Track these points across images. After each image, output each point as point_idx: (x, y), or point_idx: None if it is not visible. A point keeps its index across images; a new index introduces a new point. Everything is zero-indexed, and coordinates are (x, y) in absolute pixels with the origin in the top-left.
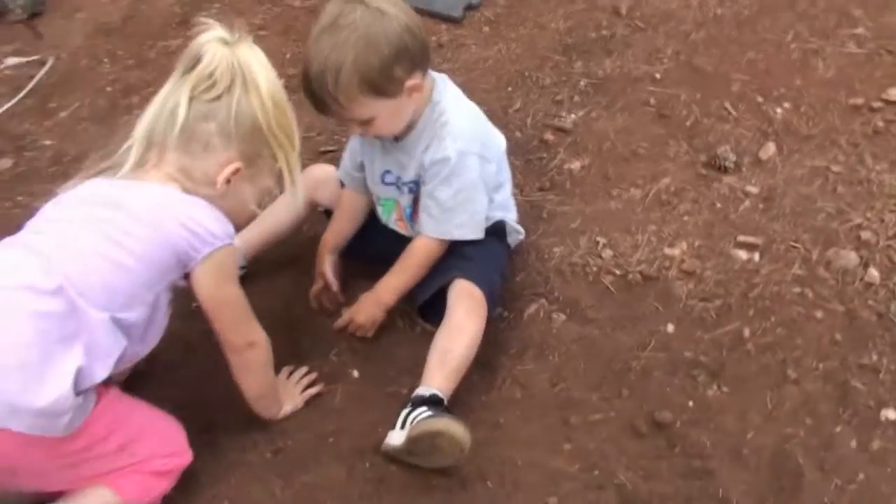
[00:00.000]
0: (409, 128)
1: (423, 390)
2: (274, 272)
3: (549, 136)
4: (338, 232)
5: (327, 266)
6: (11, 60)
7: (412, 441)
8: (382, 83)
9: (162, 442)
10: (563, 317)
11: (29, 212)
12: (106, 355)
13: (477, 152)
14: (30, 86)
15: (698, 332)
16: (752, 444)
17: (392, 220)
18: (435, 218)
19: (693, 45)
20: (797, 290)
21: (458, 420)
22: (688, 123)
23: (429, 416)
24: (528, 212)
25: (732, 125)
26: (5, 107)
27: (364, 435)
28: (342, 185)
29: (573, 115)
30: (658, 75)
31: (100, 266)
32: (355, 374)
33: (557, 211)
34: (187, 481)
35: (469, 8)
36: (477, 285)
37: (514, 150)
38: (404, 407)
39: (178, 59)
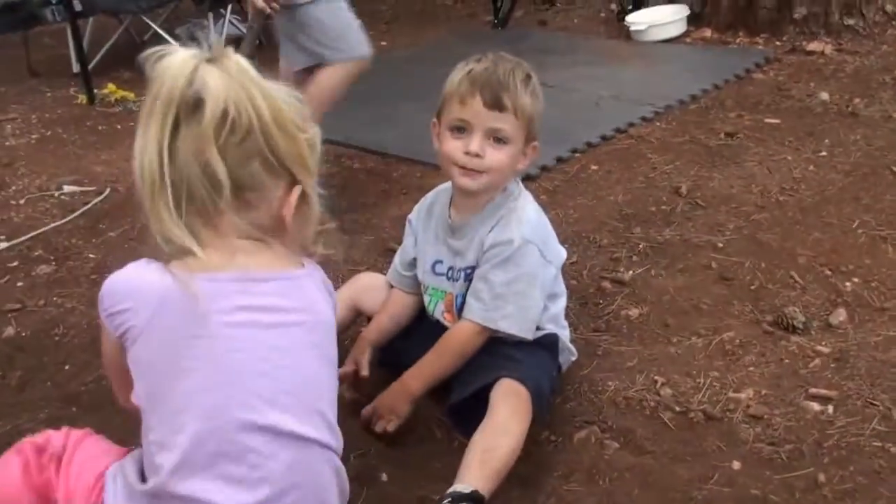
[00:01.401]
0: (477, 209)
1: (461, 487)
2: None
3: (606, 285)
4: (379, 328)
5: (364, 354)
6: (68, 188)
7: None
8: (534, 123)
9: None
10: (616, 445)
11: (63, 312)
12: None
13: (540, 246)
14: (83, 209)
15: (767, 472)
16: None
17: (439, 310)
18: (483, 302)
19: (756, 223)
20: (877, 443)
21: None
22: (752, 287)
23: None
24: (582, 349)
25: (799, 292)
26: (55, 224)
27: None
28: (390, 287)
29: (631, 272)
30: (720, 244)
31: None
32: (384, 477)
33: (613, 350)
34: None
35: (527, 179)
36: (524, 386)
37: (569, 295)
38: (441, 501)
39: (150, 105)
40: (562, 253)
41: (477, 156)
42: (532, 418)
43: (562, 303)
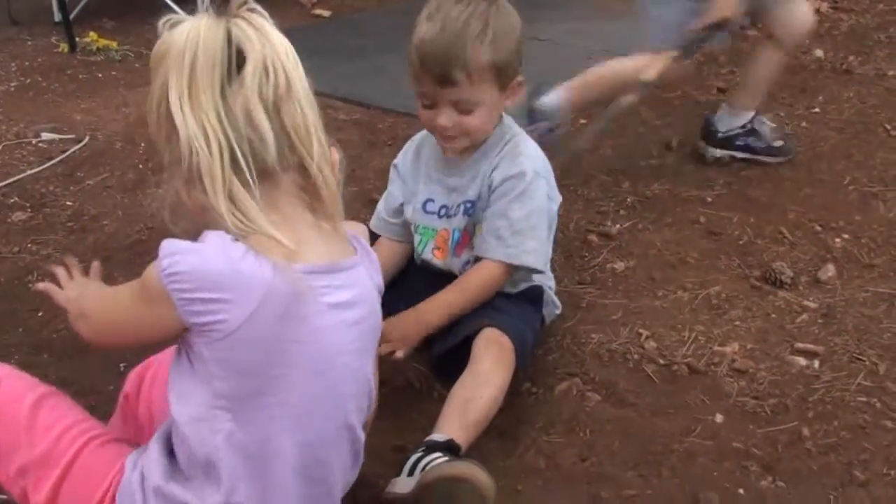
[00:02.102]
0: (475, 146)
1: (437, 436)
2: None
3: (592, 238)
4: None
5: None
6: (47, 136)
7: (424, 488)
8: (506, 68)
9: None
10: (597, 397)
11: (38, 259)
12: None
13: (547, 179)
14: (61, 157)
15: (750, 425)
16: None
17: (428, 249)
18: (504, 241)
19: (746, 178)
20: (863, 398)
21: (479, 466)
22: (740, 242)
23: (447, 461)
24: (566, 301)
25: (788, 248)
26: (32, 171)
27: (364, 485)
28: (372, 237)
29: (618, 225)
30: (709, 199)
31: None
32: None
33: (597, 303)
34: None
35: None
36: (507, 336)
37: (554, 248)
38: (413, 453)
39: (189, 74)
40: (559, 195)
41: (453, 127)
42: (514, 370)
43: (549, 251)
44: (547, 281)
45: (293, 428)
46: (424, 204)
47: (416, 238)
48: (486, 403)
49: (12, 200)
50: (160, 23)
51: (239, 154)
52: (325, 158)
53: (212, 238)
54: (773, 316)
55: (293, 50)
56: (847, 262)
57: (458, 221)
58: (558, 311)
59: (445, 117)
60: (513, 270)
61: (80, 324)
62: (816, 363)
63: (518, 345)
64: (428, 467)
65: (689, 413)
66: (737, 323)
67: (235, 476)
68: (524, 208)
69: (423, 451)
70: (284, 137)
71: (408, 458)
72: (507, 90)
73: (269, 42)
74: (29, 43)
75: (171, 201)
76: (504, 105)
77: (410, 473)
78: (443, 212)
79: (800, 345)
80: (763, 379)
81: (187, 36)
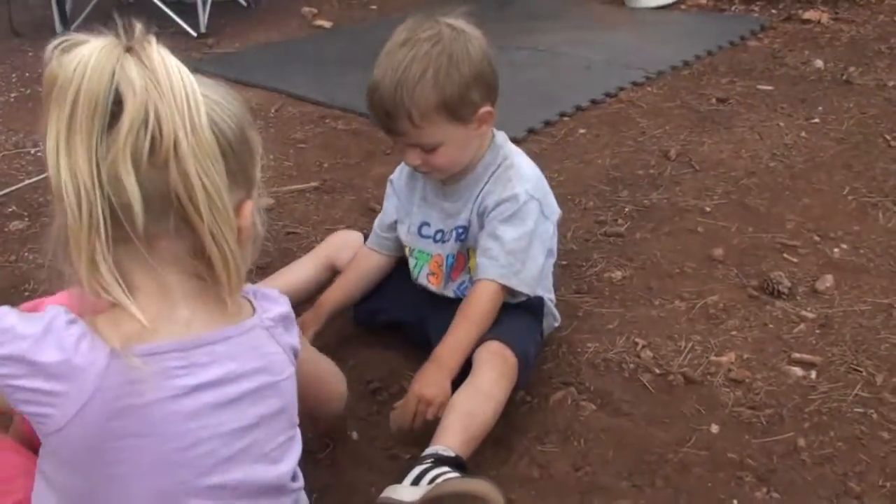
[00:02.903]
0: (466, 171)
1: (442, 450)
2: None
3: (589, 247)
4: (345, 288)
5: (315, 326)
6: None
7: (435, 500)
8: (458, 104)
9: None
10: (593, 406)
11: (34, 268)
12: None
13: (541, 201)
14: None
15: (746, 436)
16: None
17: (424, 273)
18: (496, 260)
19: (745, 188)
20: (860, 409)
21: (497, 486)
22: (738, 251)
23: (459, 477)
24: (563, 310)
25: (787, 258)
26: (30, 181)
27: (356, 491)
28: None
29: (616, 235)
30: (708, 209)
31: None
32: (355, 435)
33: (594, 312)
34: None
35: (513, 141)
36: (511, 350)
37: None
38: (419, 464)
39: (69, 112)
40: (557, 209)
41: (424, 164)
42: (515, 384)
43: (550, 264)
44: (547, 293)
45: None
46: (420, 227)
47: (412, 262)
48: (488, 419)
49: (10, 210)
50: (50, 45)
51: (100, 217)
52: (224, 222)
53: (48, 316)
54: (771, 326)
55: (196, 97)
56: (845, 273)
57: (451, 247)
58: (557, 324)
59: (411, 157)
60: (506, 291)
61: None
62: (813, 374)
63: (522, 360)
64: (439, 480)
65: (685, 423)
66: (734, 333)
67: None
68: (516, 230)
69: (431, 462)
70: (162, 202)
71: (412, 467)
72: (473, 122)
73: (159, 89)
74: (30, 54)
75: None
76: (478, 134)
77: (415, 483)
78: (438, 236)
79: (797, 355)
80: (759, 389)
81: (75, 69)
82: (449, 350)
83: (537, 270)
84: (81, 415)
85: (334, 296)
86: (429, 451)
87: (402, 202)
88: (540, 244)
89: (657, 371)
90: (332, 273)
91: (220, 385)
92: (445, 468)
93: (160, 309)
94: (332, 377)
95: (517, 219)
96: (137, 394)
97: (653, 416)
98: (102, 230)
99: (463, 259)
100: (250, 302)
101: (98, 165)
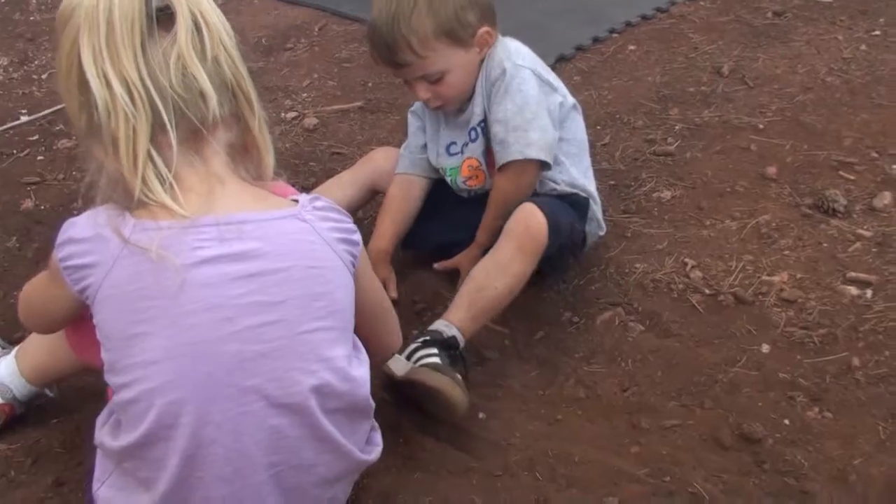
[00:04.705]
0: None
1: (442, 326)
2: None
3: (638, 167)
4: (394, 231)
5: (390, 273)
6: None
7: (409, 383)
8: (456, 26)
9: None
10: (641, 328)
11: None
12: None
13: (532, 68)
14: None
15: (798, 356)
16: (861, 471)
17: (461, 182)
18: (504, 142)
19: (800, 104)
20: None
21: (458, 382)
22: (792, 168)
23: (432, 366)
24: (611, 230)
25: (843, 175)
26: None
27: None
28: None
29: (666, 154)
30: (761, 126)
31: None
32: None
33: (643, 232)
34: None
35: (561, 59)
36: (542, 211)
37: (599, 176)
38: (419, 336)
39: (106, 29)
40: (569, 97)
41: (434, 96)
42: (539, 257)
43: (585, 159)
44: (592, 193)
45: (167, 388)
46: (448, 147)
47: (448, 179)
48: (499, 294)
49: (57, 128)
50: None
51: (163, 115)
52: (263, 114)
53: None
54: (825, 245)
55: (215, 5)
56: None
57: (479, 146)
58: (601, 234)
59: (421, 92)
60: (533, 167)
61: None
62: (869, 293)
63: (552, 222)
64: (418, 363)
65: (735, 343)
66: (786, 252)
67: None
68: (513, 104)
69: (422, 341)
70: (223, 91)
71: (413, 340)
72: (473, 43)
73: None
74: None
75: (100, 173)
76: (481, 57)
77: (409, 358)
78: (464, 147)
79: (852, 274)
80: (812, 309)
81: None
82: (483, 232)
83: (552, 136)
84: (108, 280)
85: (387, 245)
86: (433, 325)
87: (428, 125)
88: (545, 113)
89: (707, 291)
90: (372, 193)
91: (241, 259)
92: (432, 350)
93: (204, 200)
94: (390, 317)
95: (511, 91)
96: (158, 261)
97: (702, 336)
98: (168, 125)
99: (491, 154)
100: (296, 201)
101: (147, 70)
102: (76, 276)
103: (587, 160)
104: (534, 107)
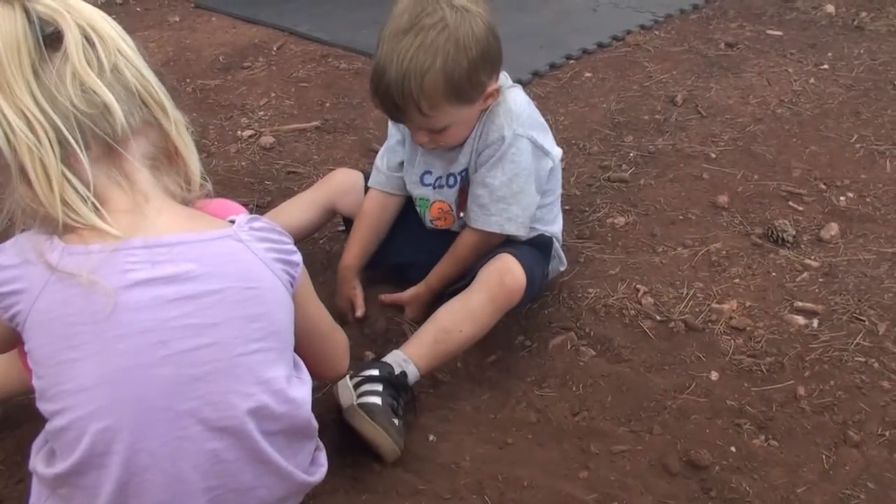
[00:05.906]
0: None
1: (399, 360)
2: None
3: (592, 192)
4: (362, 249)
5: (356, 289)
6: None
7: (346, 423)
8: (468, 89)
9: None
10: (592, 352)
11: None
12: None
13: (530, 138)
14: None
15: (745, 384)
16: (804, 499)
17: (428, 218)
18: (485, 208)
19: (751, 134)
20: (861, 359)
21: (391, 431)
22: (743, 197)
23: (370, 409)
24: (565, 255)
25: (792, 206)
26: None
27: None
28: (365, 190)
29: (620, 181)
30: (713, 155)
31: None
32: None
33: (596, 257)
34: None
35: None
36: (521, 264)
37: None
38: (370, 367)
39: None
40: (556, 148)
41: (432, 142)
42: (506, 309)
43: (556, 205)
44: (553, 229)
45: (99, 415)
46: (422, 176)
47: (417, 208)
48: (463, 339)
49: None
50: None
51: (68, 137)
52: (179, 116)
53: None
54: (774, 274)
55: (105, 14)
56: (851, 221)
57: (452, 193)
58: (562, 268)
59: (420, 137)
60: (505, 235)
61: None
62: (815, 322)
63: (528, 279)
64: (359, 399)
65: (684, 370)
66: (736, 280)
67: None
68: (504, 174)
69: (368, 375)
70: (129, 99)
71: (364, 369)
72: (479, 101)
73: (79, 11)
74: None
75: (16, 205)
76: (483, 107)
77: (355, 388)
78: (438, 183)
79: (799, 303)
80: (760, 337)
81: None
82: (434, 276)
83: (531, 210)
84: (37, 306)
85: (356, 261)
86: (388, 356)
87: (409, 146)
88: (532, 183)
89: (658, 318)
90: (330, 214)
91: (175, 282)
92: (377, 387)
93: (132, 219)
94: (331, 340)
95: (505, 161)
96: (87, 286)
97: (652, 362)
98: (75, 146)
99: (465, 195)
100: (233, 222)
101: (43, 95)
102: (5, 303)
103: (558, 206)
104: (523, 180)
